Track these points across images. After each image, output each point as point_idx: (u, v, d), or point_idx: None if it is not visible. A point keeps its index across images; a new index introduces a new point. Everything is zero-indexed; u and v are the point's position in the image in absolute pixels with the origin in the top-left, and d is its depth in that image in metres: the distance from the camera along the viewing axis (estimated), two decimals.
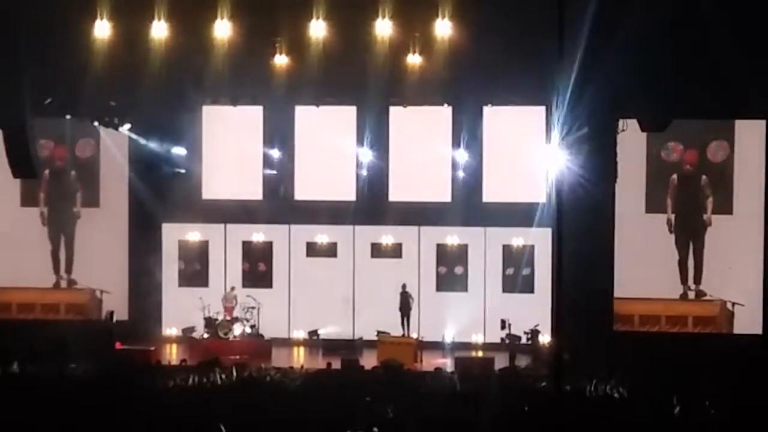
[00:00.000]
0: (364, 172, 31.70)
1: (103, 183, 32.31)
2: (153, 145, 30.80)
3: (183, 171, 31.48)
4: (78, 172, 32.31)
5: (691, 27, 22.97)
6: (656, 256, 30.08)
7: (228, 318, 30.51)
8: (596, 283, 28.80)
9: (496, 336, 30.04)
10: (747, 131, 29.80)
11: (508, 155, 30.95)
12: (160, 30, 23.78)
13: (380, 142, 31.54)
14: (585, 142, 23.75)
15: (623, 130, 25.97)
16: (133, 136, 30.74)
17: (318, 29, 23.70)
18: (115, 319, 30.26)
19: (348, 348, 30.05)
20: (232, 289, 31.11)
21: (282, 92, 28.06)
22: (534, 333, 28.88)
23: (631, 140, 27.10)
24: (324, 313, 31.25)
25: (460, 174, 31.25)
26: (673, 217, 30.25)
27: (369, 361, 28.13)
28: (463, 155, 31.09)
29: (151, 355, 28.06)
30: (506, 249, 31.65)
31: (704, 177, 30.18)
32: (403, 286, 30.57)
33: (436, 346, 30.37)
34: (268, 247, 32.48)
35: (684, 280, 30.18)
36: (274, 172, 32.02)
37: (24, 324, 30.65)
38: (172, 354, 30.27)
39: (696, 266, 30.20)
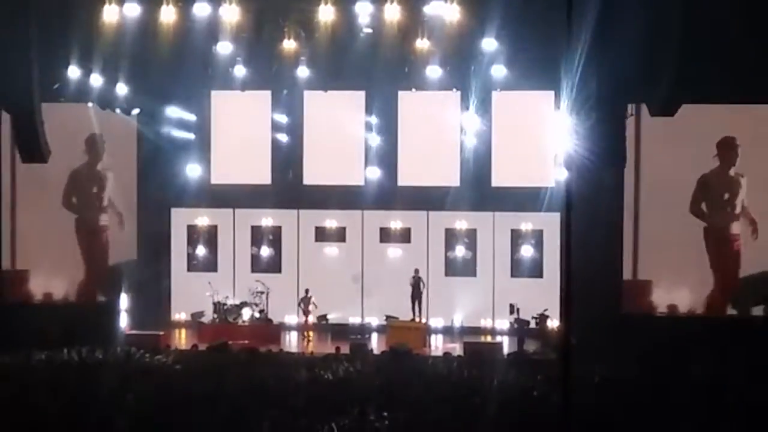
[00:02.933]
0: (373, 157, 31.70)
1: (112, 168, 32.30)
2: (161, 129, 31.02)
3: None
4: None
5: (700, 10, 22.90)
6: None
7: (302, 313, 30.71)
8: (605, 267, 28.73)
9: (504, 321, 30.07)
10: None
11: (516, 140, 30.94)
12: (168, 15, 23.77)
13: (389, 127, 31.55)
14: (594, 127, 23.71)
15: (632, 115, 25.94)
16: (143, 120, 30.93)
17: (327, 14, 23.67)
18: (124, 303, 30.28)
19: (357, 332, 30.07)
20: (307, 291, 31.02)
21: (291, 77, 28.08)
22: (542, 318, 28.87)
23: None
24: (333, 298, 31.26)
25: (469, 158, 31.23)
26: None
27: (378, 345, 28.17)
28: (471, 139, 31.08)
29: (160, 340, 28.12)
30: (515, 233, 31.66)
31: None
32: (416, 271, 30.51)
33: (445, 331, 30.42)
34: (276, 231, 32.52)
35: None
36: (284, 157, 32.03)
37: (32, 308, 30.65)
38: (181, 339, 30.35)
39: None
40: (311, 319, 30.84)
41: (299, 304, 31.04)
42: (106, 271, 31.66)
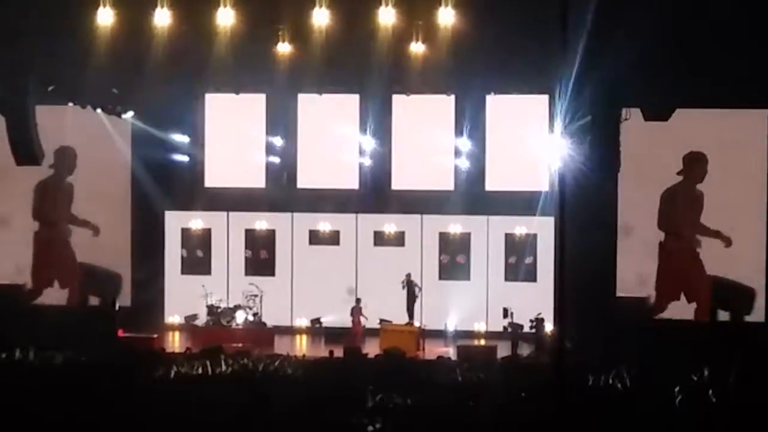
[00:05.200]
0: (367, 161, 31.70)
1: (106, 171, 32.21)
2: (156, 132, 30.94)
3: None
4: None
5: (694, 16, 22.93)
6: None
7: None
8: (599, 272, 28.77)
9: (498, 324, 30.05)
10: None
11: (510, 144, 30.95)
12: (162, 17, 23.75)
13: (383, 131, 31.54)
14: (588, 131, 23.73)
15: (626, 119, 25.95)
16: (137, 123, 30.88)
17: (321, 17, 23.66)
18: (117, 306, 30.27)
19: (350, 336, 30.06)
20: (358, 301, 30.76)
21: (285, 80, 28.05)
22: (539, 321, 28.86)
23: None
24: (326, 301, 31.25)
25: (463, 162, 31.25)
26: None
27: (371, 349, 28.16)
28: (465, 144, 31.09)
29: (153, 343, 28.09)
30: (509, 238, 31.67)
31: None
32: (408, 275, 30.46)
33: (439, 335, 30.40)
34: (270, 234, 32.50)
35: None
36: (278, 160, 32.03)
37: (26, 311, 30.61)
38: (175, 342, 30.31)
39: None
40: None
41: (351, 314, 30.81)
42: (78, 280, 31.71)
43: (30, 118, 24.32)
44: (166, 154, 31.49)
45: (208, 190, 32.29)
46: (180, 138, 31.77)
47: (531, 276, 31.36)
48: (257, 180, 32.19)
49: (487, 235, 31.66)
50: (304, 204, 32.00)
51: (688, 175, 29.73)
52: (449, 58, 25.28)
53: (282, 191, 32.15)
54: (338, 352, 26.79)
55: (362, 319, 30.46)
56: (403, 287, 30.23)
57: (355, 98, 31.27)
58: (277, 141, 32.07)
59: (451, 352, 28.42)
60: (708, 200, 29.85)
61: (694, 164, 29.64)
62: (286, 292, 31.90)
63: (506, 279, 31.59)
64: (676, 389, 18.36)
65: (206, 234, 32.65)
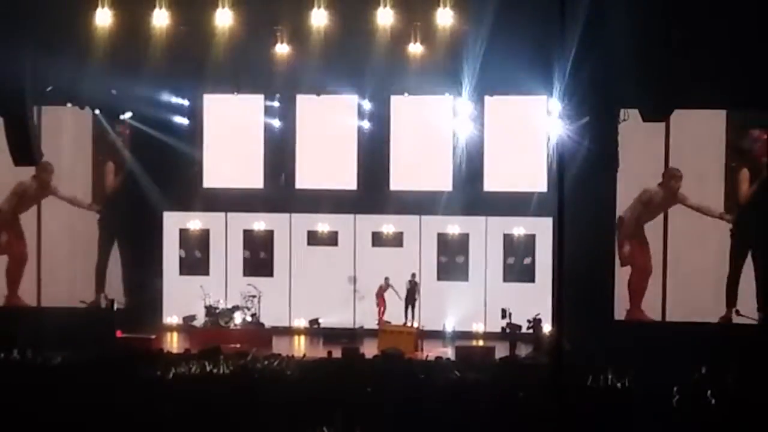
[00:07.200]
0: (365, 161, 31.69)
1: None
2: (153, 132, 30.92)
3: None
4: None
5: (692, 15, 22.95)
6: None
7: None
8: (597, 272, 28.80)
9: (496, 325, 30.06)
10: None
11: (509, 144, 30.95)
12: (161, 18, 23.79)
13: (381, 131, 31.53)
14: (586, 132, 23.76)
15: (624, 120, 25.99)
16: (135, 124, 30.88)
17: (319, 18, 23.71)
18: (115, 307, 30.28)
19: (349, 337, 30.08)
20: (387, 279, 30.72)
21: (283, 81, 28.07)
22: (536, 322, 28.88)
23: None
24: (325, 302, 31.25)
25: (461, 163, 31.23)
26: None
27: (370, 349, 28.16)
28: (463, 144, 31.07)
29: (151, 344, 28.09)
30: (507, 238, 31.65)
31: None
32: (412, 275, 30.47)
33: (437, 335, 30.38)
34: (269, 235, 32.47)
35: (732, 301, 29.33)
36: (276, 160, 32.00)
37: (25, 311, 30.64)
38: (173, 342, 30.30)
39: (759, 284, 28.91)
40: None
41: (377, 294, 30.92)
42: None
43: (28, 118, 24.33)
44: (163, 155, 31.44)
45: (207, 191, 32.26)
46: (178, 138, 31.71)
47: (529, 276, 31.34)
48: (255, 181, 32.16)
49: (486, 236, 31.65)
50: (303, 204, 31.97)
51: (666, 187, 29.79)
52: (447, 58, 25.33)
53: (280, 192, 32.14)
54: (336, 353, 26.80)
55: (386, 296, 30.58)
56: (408, 288, 30.23)
57: (353, 99, 31.26)
58: (275, 141, 32.03)
59: (449, 352, 28.42)
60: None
61: (670, 179, 29.70)
62: (284, 293, 31.88)
63: (504, 279, 31.57)
64: (673, 389, 18.41)
65: (204, 234, 32.61)
